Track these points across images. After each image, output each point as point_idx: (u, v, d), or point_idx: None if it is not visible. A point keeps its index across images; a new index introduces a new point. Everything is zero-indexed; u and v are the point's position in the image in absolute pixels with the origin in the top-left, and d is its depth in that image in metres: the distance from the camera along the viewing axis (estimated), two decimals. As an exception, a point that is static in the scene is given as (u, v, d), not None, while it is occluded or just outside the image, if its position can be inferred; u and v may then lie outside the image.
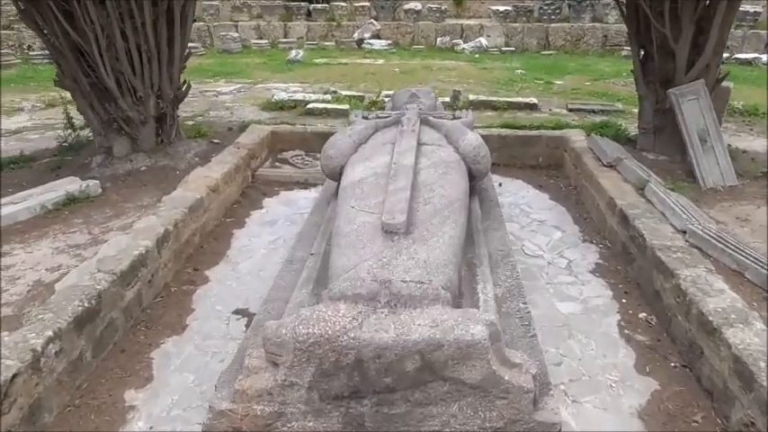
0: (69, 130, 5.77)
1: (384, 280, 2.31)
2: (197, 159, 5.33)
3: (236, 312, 3.55)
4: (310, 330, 2.07)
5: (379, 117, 4.24)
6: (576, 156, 5.55)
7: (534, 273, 4.01)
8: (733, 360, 2.57)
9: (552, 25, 15.19)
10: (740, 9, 4.74)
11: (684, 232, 3.74)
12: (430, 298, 2.22)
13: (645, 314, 3.50)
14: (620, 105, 8.01)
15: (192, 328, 3.39)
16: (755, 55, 12.56)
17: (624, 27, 14.25)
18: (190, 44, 14.13)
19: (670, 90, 4.84)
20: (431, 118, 4.09)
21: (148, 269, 3.55)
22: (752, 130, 6.88)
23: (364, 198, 3.03)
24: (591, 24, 15.05)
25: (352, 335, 2.06)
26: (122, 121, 5.09)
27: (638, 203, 4.23)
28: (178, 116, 5.64)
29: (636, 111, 7.64)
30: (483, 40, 14.81)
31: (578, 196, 5.31)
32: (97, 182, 4.56)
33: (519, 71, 11.49)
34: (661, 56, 5.02)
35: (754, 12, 13.79)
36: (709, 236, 3.56)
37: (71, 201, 4.30)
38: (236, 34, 15.11)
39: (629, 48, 13.98)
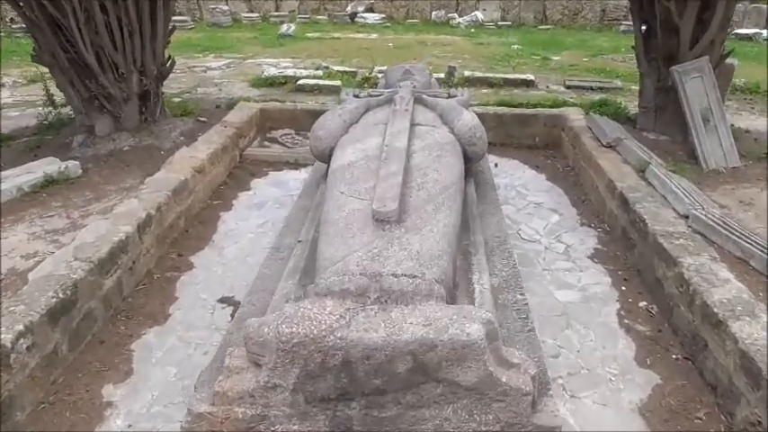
0: (50, 108, 5.56)
1: (374, 273, 2.17)
2: (182, 138, 5.15)
3: (222, 301, 3.42)
4: (294, 329, 1.93)
5: (370, 95, 4.07)
6: (574, 135, 5.40)
7: (531, 258, 3.88)
8: (739, 355, 2.46)
9: (549, -1, 14.90)
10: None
11: (687, 217, 3.62)
12: (423, 294, 2.08)
13: (645, 303, 3.38)
14: (618, 82, 7.86)
15: (174, 318, 3.26)
16: (756, 30, 12.35)
17: (623, 1, 14.00)
18: (177, 18, 13.84)
19: (673, 67, 4.68)
20: (425, 96, 3.91)
21: (129, 256, 3.40)
22: (753, 108, 6.74)
23: (354, 183, 2.87)
24: (589, -2, 14.77)
25: (340, 334, 1.92)
26: (104, 98, 4.89)
27: (638, 186, 4.09)
28: (163, 93, 5.43)
29: (635, 88, 7.50)
30: (479, 14, 14.52)
31: (576, 177, 5.17)
32: (77, 163, 4.38)
33: (515, 46, 11.29)
34: (664, 31, 4.85)
35: (756, -14, 13.54)
36: (713, 221, 3.43)
37: (49, 183, 4.12)
38: (225, 7, 14.75)
39: (627, 22, 13.82)
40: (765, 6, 13.06)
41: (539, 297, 3.43)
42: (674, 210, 3.72)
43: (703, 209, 3.58)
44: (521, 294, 2.77)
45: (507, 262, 3.03)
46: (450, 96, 4.02)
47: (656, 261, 3.38)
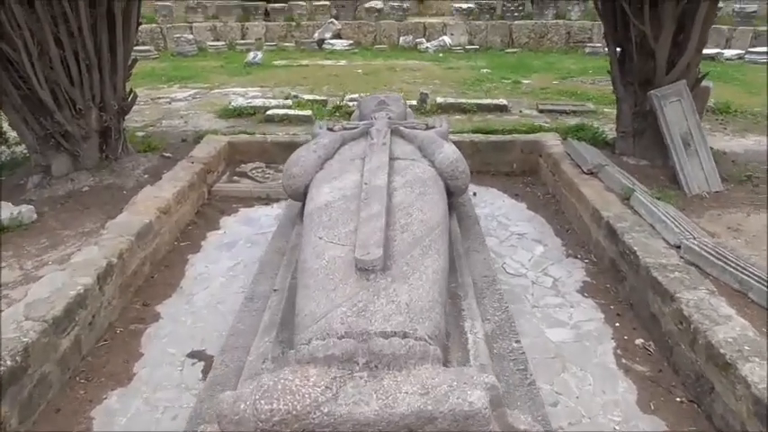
0: (2, 147, 5.24)
1: (361, 332, 1.96)
2: (146, 177, 4.89)
3: (192, 355, 3.16)
4: (275, 406, 1.70)
5: (345, 128, 3.89)
6: (553, 162, 5.29)
7: (519, 294, 3.72)
8: (753, 401, 2.30)
9: (516, 23, 15.02)
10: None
11: (679, 247, 3.49)
12: (417, 357, 1.88)
13: (642, 340, 3.23)
14: (591, 105, 7.82)
15: (140, 378, 2.98)
16: (717, 50, 12.59)
17: (587, 24, 14.12)
18: (141, 47, 13.56)
19: (651, 92, 4.61)
20: (402, 128, 3.78)
21: (88, 310, 3.13)
22: (725, 129, 6.75)
23: (333, 227, 2.67)
24: (554, 21, 14.93)
25: (326, 409, 1.70)
26: (60, 136, 4.61)
27: (625, 215, 3.97)
28: (124, 129, 5.17)
29: (608, 111, 7.57)
30: (446, 39, 14.56)
31: (558, 206, 5.05)
32: (31, 207, 4.08)
33: (485, 70, 11.25)
34: (640, 55, 4.79)
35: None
36: (707, 252, 3.31)
37: (0, 230, 3.82)
38: (190, 36, 14.50)
39: (592, 44, 14.02)
40: (726, 27, 13.36)
41: (530, 338, 3.25)
42: (665, 240, 3.60)
43: (695, 238, 3.47)
44: (516, 342, 2.59)
45: (499, 305, 2.86)
46: (428, 127, 3.87)
47: (650, 295, 3.24)
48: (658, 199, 4.12)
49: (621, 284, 3.66)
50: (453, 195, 3.55)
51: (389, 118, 4.00)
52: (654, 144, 4.93)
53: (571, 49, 14.52)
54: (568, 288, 3.80)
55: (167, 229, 4.26)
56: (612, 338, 3.28)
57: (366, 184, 2.95)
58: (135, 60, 5.16)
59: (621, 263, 3.67)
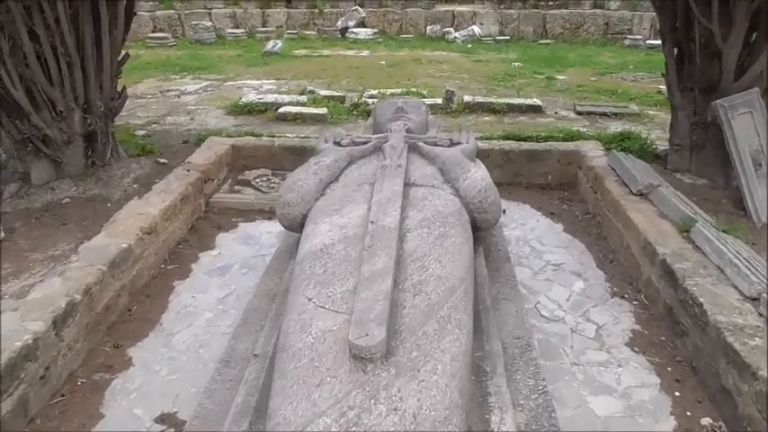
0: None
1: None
2: (136, 186, 4.41)
3: (161, 420, 2.64)
4: None
5: (354, 142, 3.37)
6: (594, 177, 4.67)
7: (555, 347, 3.13)
8: None
9: (550, 12, 14.24)
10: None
11: (756, 299, 2.86)
12: None
13: (710, 420, 2.62)
14: (634, 107, 7.20)
15: (94, 451, 2.47)
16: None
17: (627, 14, 13.31)
18: (158, 34, 13.15)
19: (717, 101, 3.95)
20: (422, 144, 3.27)
21: (39, 362, 2.62)
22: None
23: (328, 283, 2.13)
24: (591, 11, 14.12)
25: None
26: (40, 140, 4.13)
27: (685, 252, 3.34)
28: (113, 132, 4.66)
29: (653, 113, 6.98)
30: (476, 29, 13.84)
31: (599, 229, 4.44)
32: (-1, 226, 3.60)
33: (516, 64, 10.62)
34: (704, 57, 4.14)
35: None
36: (794, 310, 2.67)
37: (-41, 253, 3.35)
38: (209, 23, 14.01)
39: (632, 36, 13.19)
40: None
41: (570, 408, 2.67)
42: (737, 289, 2.96)
43: (777, 290, 2.83)
44: (558, 442, 2.01)
45: (535, 383, 2.28)
46: (452, 144, 3.33)
47: (722, 364, 2.62)
48: (725, 232, 3.47)
49: (681, 340, 3.04)
50: (480, 230, 2.99)
51: (407, 129, 3.46)
52: (715, 160, 4.32)
53: (609, 41, 13.75)
54: (615, 339, 3.20)
55: (152, 251, 3.76)
56: (672, 414, 2.68)
57: (373, 222, 2.42)
58: (126, 56, 4.65)
59: (682, 313, 3.05)
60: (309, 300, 2.07)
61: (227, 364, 2.42)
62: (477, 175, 2.94)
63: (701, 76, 4.25)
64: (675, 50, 4.48)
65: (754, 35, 3.99)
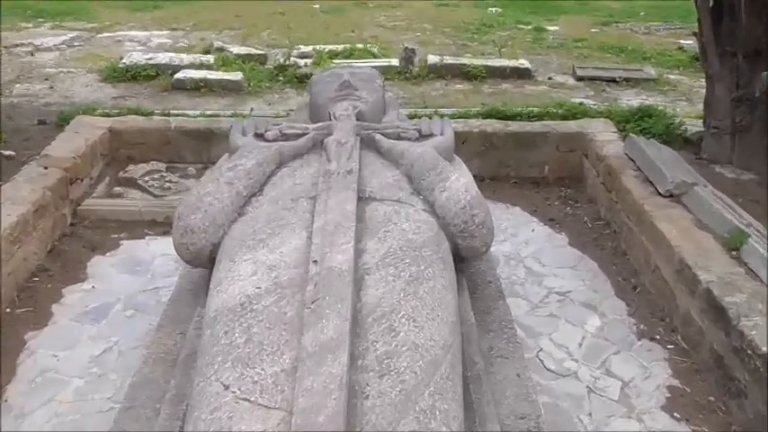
0: None
1: None
2: (-34, 193, 4.11)
3: None
4: None
5: (284, 134, 3.17)
6: (607, 169, 4.68)
7: (567, 415, 3.06)
8: None
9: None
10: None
11: (834, 348, 2.79)
12: None
13: None
14: (650, 70, 7.34)
15: None
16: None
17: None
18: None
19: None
20: (380, 137, 3.13)
21: None
22: None
23: (252, 361, 1.99)
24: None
25: None
26: None
27: (736, 279, 3.29)
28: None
29: (675, 78, 7.05)
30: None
31: (616, 240, 4.46)
32: None
33: (494, 9, 10.91)
34: (750, 12, 4.21)
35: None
36: None
37: None
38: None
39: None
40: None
41: None
42: (811, 333, 2.89)
43: None
44: None
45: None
46: (422, 136, 3.19)
47: (795, 439, 2.54)
48: (785, 249, 3.44)
49: (737, 401, 2.98)
50: (464, 260, 2.93)
51: (358, 113, 3.31)
52: (764, 148, 4.38)
53: (611, -21, 13.97)
54: (647, 401, 3.14)
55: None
56: None
57: (316, 262, 2.27)
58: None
59: (736, 365, 2.99)
60: (226, 388, 1.87)
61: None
62: (460, 184, 2.82)
63: (746, 35, 4.32)
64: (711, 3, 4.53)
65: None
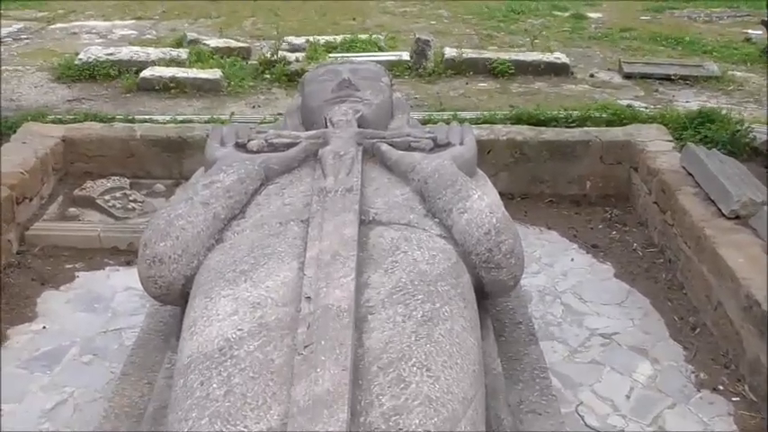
0: None
1: None
2: None
3: None
4: None
5: (271, 144, 3.27)
6: (660, 185, 4.83)
7: (614, 482, 3.08)
8: None
9: None
10: None
11: None
12: None
13: None
14: (713, 66, 7.39)
15: None
16: None
17: None
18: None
19: None
20: (386, 147, 3.21)
21: None
22: None
23: (234, 418, 2.06)
24: None
25: None
26: None
27: (816, 319, 3.33)
28: None
29: (741, 75, 7.11)
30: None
31: (672, 271, 4.57)
32: None
33: (524, -6, 10.90)
34: None
35: None
36: None
37: None
38: None
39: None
40: None
41: None
42: None
43: None
44: None
45: None
46: (437, 146, 3.27)
47: None
48: None
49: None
50: (488, 297, 2.99)
51: (360, 119, 3.41)
52: None
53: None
54: (713, 471, 3.19)
55: None
56: None
57: (309, 298, 2.32)
58: None
59: (816, 422, 3.01)
60: (203, 449, 1.91)
61: None
62: (483, 205, 2.88)
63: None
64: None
65: None
